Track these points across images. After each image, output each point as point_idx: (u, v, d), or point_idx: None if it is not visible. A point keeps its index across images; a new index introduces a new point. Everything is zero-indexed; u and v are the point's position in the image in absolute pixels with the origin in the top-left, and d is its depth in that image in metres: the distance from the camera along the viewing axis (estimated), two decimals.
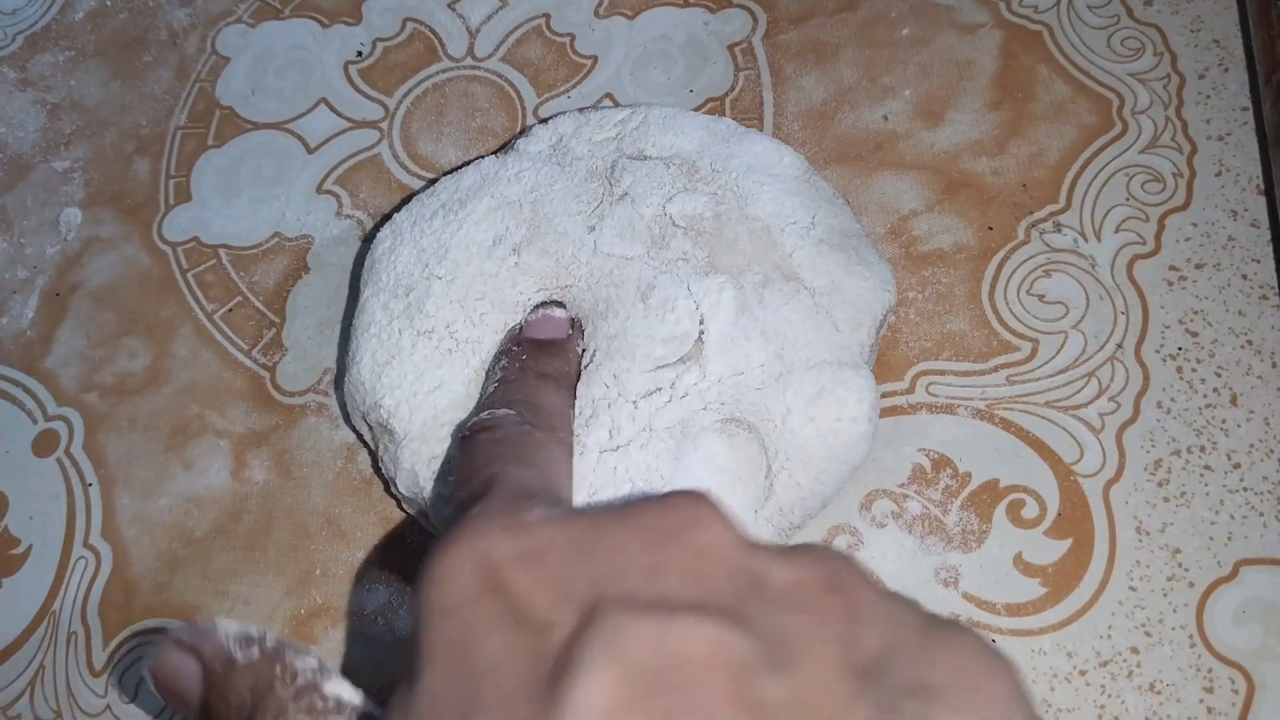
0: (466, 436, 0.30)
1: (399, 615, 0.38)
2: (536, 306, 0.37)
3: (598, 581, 0.19)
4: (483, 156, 0.42)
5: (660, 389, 0.35)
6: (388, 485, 0.39)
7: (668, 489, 0.34)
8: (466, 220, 0.38)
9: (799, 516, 0.35)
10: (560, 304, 0.37)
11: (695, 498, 0.21)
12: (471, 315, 0.37)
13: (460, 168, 0.41)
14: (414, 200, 0.41)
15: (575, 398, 0.35)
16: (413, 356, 0.37)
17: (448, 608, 0.19)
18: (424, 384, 0.36)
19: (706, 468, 0.34)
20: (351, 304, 0.42)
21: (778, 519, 0.35)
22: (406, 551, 0.39)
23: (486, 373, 0.36)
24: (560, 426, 0.32)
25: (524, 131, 0.43)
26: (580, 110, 0.42)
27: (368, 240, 0.45)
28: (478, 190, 0.39)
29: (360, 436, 0.40)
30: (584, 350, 0.36)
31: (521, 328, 0.36)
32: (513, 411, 0.31)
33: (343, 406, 0.41)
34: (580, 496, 0.34)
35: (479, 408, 0.33)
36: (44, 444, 0.43)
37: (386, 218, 0.44)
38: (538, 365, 0.34)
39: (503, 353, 0.36)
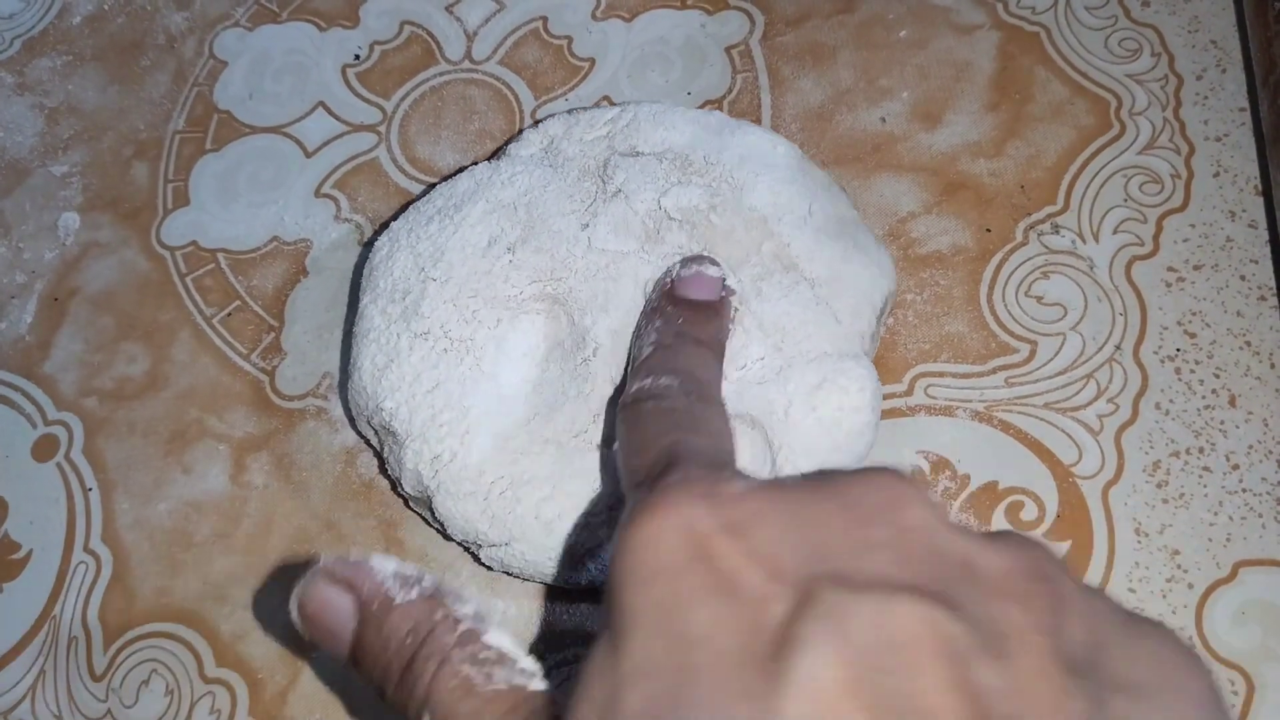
0: (630, 404, 0.29)
1: None
2: (688, 260, 0.35)
3: (809, 558, 0.18)
4: (477, 162, 0.42)
5: None
6: (394, 485, 0.39)
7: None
8: (462, 224, 0.38)
9: None
10: (714, 260, 0.35)
11: (896, 475, 0.20)
12: (464, 313, 0.37)
13: (455, 174, 0.41)
14: (410, 208, 0.41)
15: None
16: (410, 358, 0.37)
17: (654, 572, 0.19)
18: (421, 385, 0.36)
19: None
20: (351, 310, 0.42)
21: None
22: (407, 555, 0.39)
23: (635, 330, 0.35)
24: (718, 399, 0.31)
25: (516, 136, 0.43)
26: (570, 111, 0.42)
27: (367, 245, 0.45)
28: (472, 195, 0.39)
29: (368, 442, 0.40)
30: (585, 340, 0.36)
31: (673, 283, 0.34)
32: (675, 381, 0.29)
33: (348, 412, 0.41)
34: (585, 494, 0.34)
35: (635, 373, 0.31)
36: (44, 449, 0.43)
37: (385, 224, 0.44)
38: (694, 330, 0.33)
39: (654, 310, 0.34)
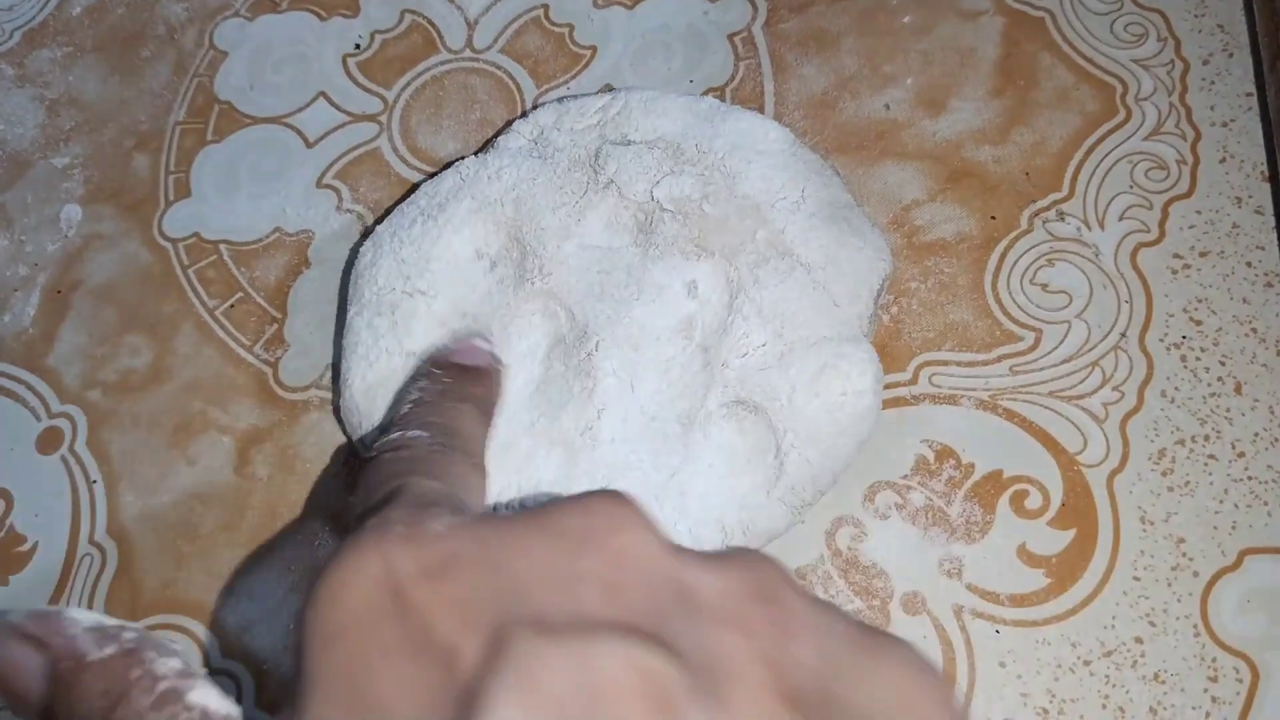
0: (371, 457, 0.28)
1: None
2: (458, 337, 0.35)
3: (507, 600, 0.17)
4: (463, 158, 0.42)
5: (664, 377, 0.35)
6: None
7: (672, 476, 0.34)
8: (446, 226, 0.38)
9: (810, 494, 0.35)
10: (485, 337, 0.35)
11: (614, 498, 0.19)
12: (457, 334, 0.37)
13: (440, 170, 0.41)
14: (395, 209, 0.40)
15: (492, 426, 0.33)
16: (402, 376, 0.36)
17: (340, 628, 0.17)
18: None
19: (717, 453, 0.35)
20: (344, 312, 0.42)
21: (790, 498, 0.35)
22: None
23: (397, 395, 0.35)
24: (476, 452, 0.30)
25: (505, 128, 0.43)
26: (560, 100, 0.42)
27: (368, 232, 0.45)
28: (457, 192, 0.39)
29: (363, 457, 0.40)
30: (587, 333, 0.36)
31: (440, 354, 0.34)
32: (426, 434, 0.28)
33: (342, 427, 0.41)
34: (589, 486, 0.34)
35: (389, 428, 0.30)
36: (48, 441, 0.43)
37: (388, 212, 0.43)
38: (459, 389, 0.32)
39: (421, 374, 0.33)
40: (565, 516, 0.19)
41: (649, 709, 0.15)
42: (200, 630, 0.39)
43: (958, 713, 0.19)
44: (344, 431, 0.41)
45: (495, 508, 0.34)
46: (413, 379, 0.34)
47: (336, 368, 0.43)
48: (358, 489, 0.27)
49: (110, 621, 0.21)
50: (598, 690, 0.15)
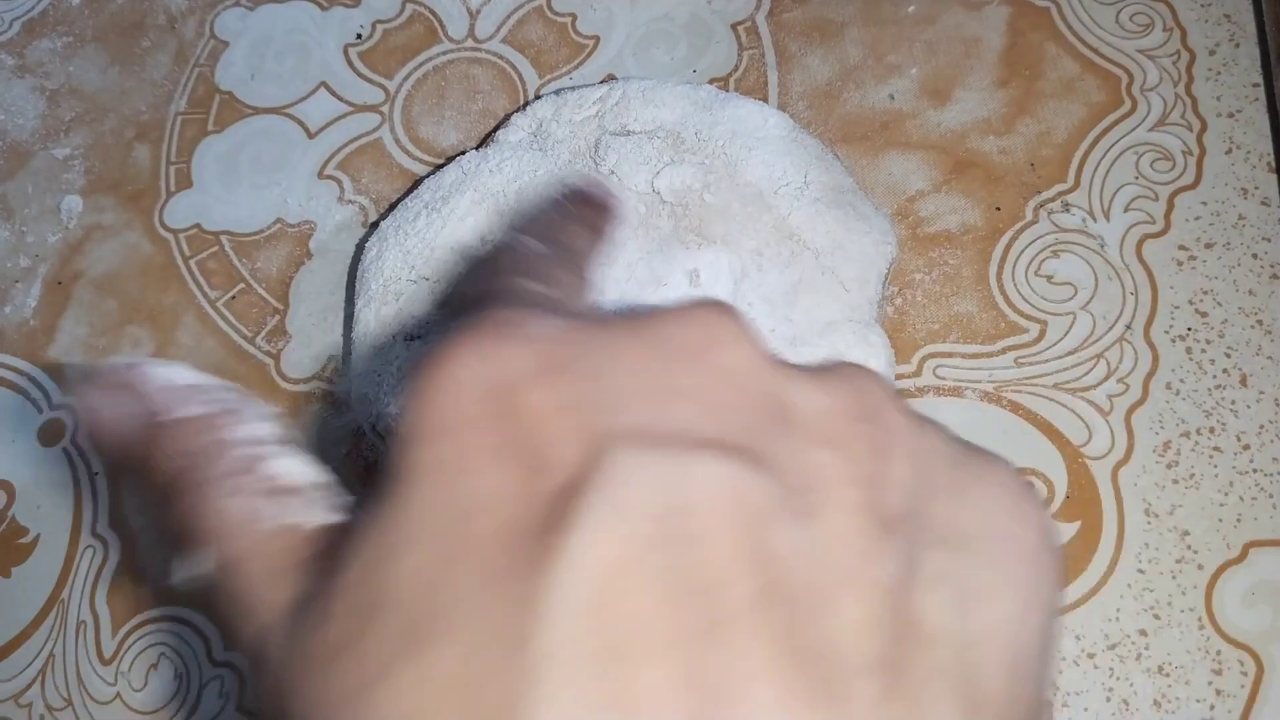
0: (483, 254, 0.26)
1: None
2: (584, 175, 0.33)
3: (608, 410, 0.16)
4: (464, 150, 0.41)
5: None
6: None
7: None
8: (450, 218, 0.38)
9: None
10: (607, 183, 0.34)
11: (717, 309, 0.18)
12: None
13: (443, 165, 0.41)
14: (399, 205, 0.40)
15: (605, 254, 0.32)
16: (409, 362, 0.36)
17: (445, 426, 0.16)
18: None
19: None
20: (350, 306, 0.41)
21: None
22: None
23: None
24: (584, 268, 0.28)
25: (504, 122, 0.43)
26: (557, 92, 0.42)
27: (372, 227, 0.45)
28: (459, 185, 0.39)
29: (377, 446, 0.40)
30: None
31: (569, 182, 0.32)
32: (536, 240, 0.26)
33: (345, 418, 0.40)
34: None
35: (504, 232, 0.29)
36: (50, 433, 0.43)
37: (392, 206, 0.43)
38: (579, 210, 0.30)
39: (538, 202, 0.31)
40: (669, 326, 0.18)
41: (737, 524, 0.15)
42: (203, 622, 0.39)
43: (1046, 535, 0.18)
44: (348, 423, 0.41)
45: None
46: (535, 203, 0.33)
47: (343, 360, 0.43)
48: (458, 283, 0.26)
49: (209, 380, 0.20)
50: (689, 506, 0.15)
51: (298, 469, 0.19)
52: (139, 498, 0.20)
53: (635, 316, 0.18)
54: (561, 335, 0.18)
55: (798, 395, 0.18)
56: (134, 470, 0.20)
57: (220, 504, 0.19)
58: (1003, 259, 0.41)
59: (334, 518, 0.19)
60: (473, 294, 0.23)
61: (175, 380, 0.20)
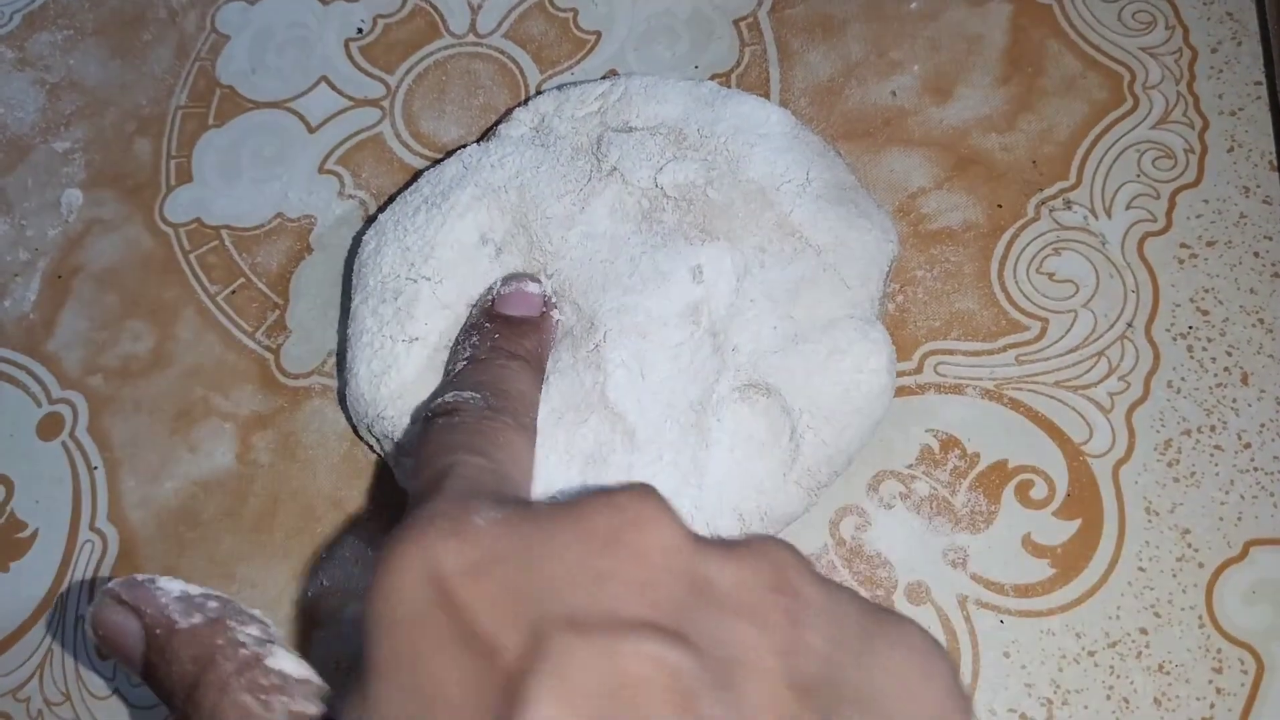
0: (428, 418, 0.29)
1: None
2: (508, 278, 0.36)
3: (543, 597, 0.18)
4: (464, 145, 0.41)
5: (674, 363, 0.35)
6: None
7: (689, 464, 0.34)
8: (450, 213, 0.38)
9: (826, 475, 0.35)
10: (535, 278, 0.36)
11: (640, 494, 0.20)
12: (462, 319, 0.36)
13: (443, 158, 0.41)
14: (398, 198, 0.40)
15: (544, 379, 0.34)
16: (409, 365, 0.36)
17: (395, 621, 0.19)
18: (423, 393, 0.36)
19: (733, 437, 0.34)
20: (348, 299, 0.41)
21: (806, 480, 0.35)
22: None
23: (453, 346, 0.35)
24: (525, 411, 0.31)
25: (505, 116, 0.42)
26: (559, 88, 0.42)
27: (370, 220, 0.45)
28: (460, 180, 0.39)
29: (371, 448, 0.40)
30: (560, 324, 0.36)
31: (493, 301, 0.35)
32: (478, 395, 0.30)
33: (348, 417, 0.40)
34: (615, 477, 0.34)
35: (444, 387, 0.32)
36: (49, 427, 0.43)
37: (391, 199, 0.43)
38: (508, 344, 0.33)
39: (472, 326, 0.34)
40: (595, 514, 0.20)
41: (671, 702, 0.17)
42: None
43: (961, 696, 0.20)
44: (347, 418, 0.41)
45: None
46: (466, 331, 0.35)
47: (340, 355, 0.42)
48: (415, 454, 0.29)
49: (196, 590, 0.24)
50: (625, 685, 0.17)
51: (290, 664, 0.22)
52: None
53: (565, 504, 0.20)
54: (497, 529, 0.20)
55: (716, 570, 0.19)
56: (143, 674, 0.24)
57: (239, 698, 0.22)
58: (1004, 256, 0.41)
59: (320, 708, 0.22)
60: (423, 480, 0.26)
61: (173, 591, 0.24)
